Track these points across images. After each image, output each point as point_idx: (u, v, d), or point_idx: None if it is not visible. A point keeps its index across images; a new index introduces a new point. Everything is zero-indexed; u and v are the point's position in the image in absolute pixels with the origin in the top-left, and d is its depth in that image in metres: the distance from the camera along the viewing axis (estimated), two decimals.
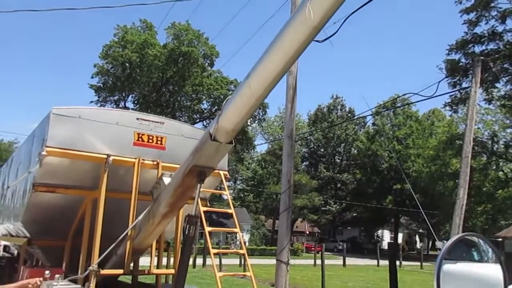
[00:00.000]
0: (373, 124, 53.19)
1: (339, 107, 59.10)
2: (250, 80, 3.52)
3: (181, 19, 47.45)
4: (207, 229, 6.56)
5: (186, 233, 4.41)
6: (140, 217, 5.67)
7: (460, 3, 19.21)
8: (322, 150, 59.88)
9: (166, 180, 5.18)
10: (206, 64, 40.34)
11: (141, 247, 5.92)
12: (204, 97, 40.80)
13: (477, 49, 19.87)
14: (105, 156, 5.81)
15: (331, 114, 58.42)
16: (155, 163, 6.26)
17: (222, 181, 7.01)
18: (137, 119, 6.39)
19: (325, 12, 2.90)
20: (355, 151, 56.68)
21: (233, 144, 4.16)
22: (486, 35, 19.52)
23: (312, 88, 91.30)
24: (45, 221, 6.36)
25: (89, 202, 6.12)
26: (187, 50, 36.95)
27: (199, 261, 23.71)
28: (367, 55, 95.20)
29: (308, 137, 58.31)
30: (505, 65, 19.46)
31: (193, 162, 4.24)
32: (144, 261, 7.01)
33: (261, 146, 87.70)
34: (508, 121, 29.01)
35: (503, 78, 19.24)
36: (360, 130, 57.52)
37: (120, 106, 39.94)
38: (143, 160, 6.16)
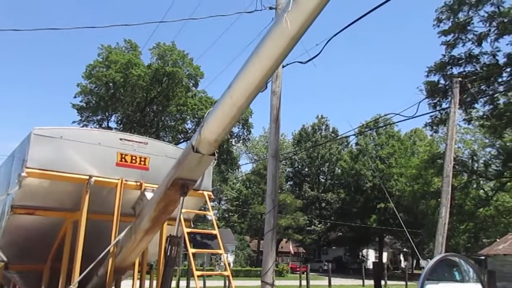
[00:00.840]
0: (357, 143, 53.80)
1: (323, 127, 59.67)
2: (231, 90, 3.59)
3: (166, 40, 47.72)
4: (191, 250, 6.46)
5: (168, 254, 4.36)
6: (122, 234, 5.58)
7: (438, 26, 19.84)
8: (306, 169, 60.07)
9: (149, 195, 5.15)
10: (191, 84, 40.45)
11: (123, 265, 5.80)
12: (188, 117, 40.75)
13: (455, 71, 20.46)
14: (87, 177, 5.72)
15: (315, 133, 58.89)
16: (138, 183, 6.19)
17: (206, 201, 6.96)
18: (120, 139, 6.34)
19: (302, 23, 3.02)
20: (339, 170, 57.03)
21: (215, 156, 4.18)
22: (464, 57, 20.12)
23: (297, 108, 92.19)
24: (24, 245, 6.19)
25: (69, 224, 5.99)
26: (171, 70, 37.03)
27: (183, 283, 23.26)
28: (351, 75, 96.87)
29: (293, 157, 58.50)
30: (482, 87, 20.03)
31: (175, 175, 4.23)
32: (126, 284, 6.85)
33: (245, 166, 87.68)
34: (487, 141, 29.68)
35: (481, 99, 19.77)
36: (344, 150, 58.03)
37: (103, 126, 39.54)
38: (126, 181, 6.08)
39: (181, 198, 4.41)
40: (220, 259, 39.33)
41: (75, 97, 39.36)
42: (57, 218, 6.05)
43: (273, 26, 3.22)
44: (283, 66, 10.23)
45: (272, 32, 3.22)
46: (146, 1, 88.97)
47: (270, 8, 10.57)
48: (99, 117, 40.30)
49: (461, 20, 19.37)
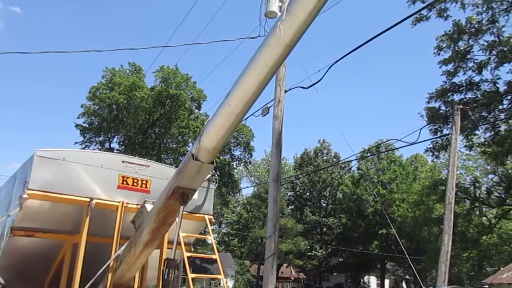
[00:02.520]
0: (358, 168, 53.64)
1: (325, 151, 59.68)
2: (229, 98, 3.71)
3: (169, 62, 48.32)
4: (190, 275, 6.39)
5: (166, 277, 4.32)
6: (121, 248, 5.54)
7: (439, 54, 20.05)
8: (307, 194, 59.74)
9: (149, 206, 5.16)
10: (194, 106, 40.74)
11: (123, 280, 5.73)
12: (190, 139, 40.86)
13: (456, 97, 20.54)
14: (88, 200, 5.72)
15: (317, 158, 58.84)
16: (139, 206, 6.18)
17: (207, 225, 6.92)
18: (123, 162, 6.36)
19: (295, 31, 3.19)
20: (341, 195, 56.68)
21: (214, 164, 4.24)
22: (464, 84, 20.25)
23: (298, 132, 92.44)
24: (22, 267, 6.14)
25: (68, 247, 5.95)
26: (174, 93, 37.37)
27: None
28: (353, 101, 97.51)
29: (294, 181, 58.30)
30: (483, 113, 20.09)
31: (175, 184, 4.28)
32: None
33: (246, 189, 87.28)
34: (489, 167, 29.57)
35: (482, 126, 19.80)
36: (345, 175, 57.85)
37: (105, 147, 39.65)
38: (127, 203, 6.07)
39: (181, 207, 4.44)
40: (220, 284, 38.73)
41: (78, 117, 39.69)
42: (56, 241, 6.01)
43: (268, 35, 3.40)
44: (285, 91, 10.36)
45: (267, 40, 3.37)
46: (150, 24, 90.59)
47: None
48: (101, 138, 40.47)
49: (461, 48, 19.59)
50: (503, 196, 27.54)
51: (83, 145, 39.19)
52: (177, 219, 4.59)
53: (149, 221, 4.88)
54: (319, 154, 59.30)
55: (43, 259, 6.09)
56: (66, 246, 5.96)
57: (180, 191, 4.32)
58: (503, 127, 20.75)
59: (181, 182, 4.24)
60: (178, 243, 4.59)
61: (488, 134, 20.54)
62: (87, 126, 39.78)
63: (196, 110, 41.15)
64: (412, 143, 13.59)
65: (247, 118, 12.37)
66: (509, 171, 25.26)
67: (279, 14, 11.07)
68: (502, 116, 20.07)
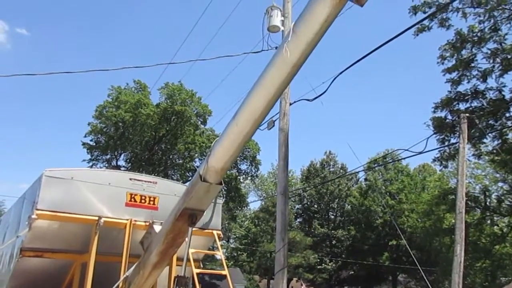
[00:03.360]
0: (365, 179, 53.32)
1: (331, 163, 59.46)
2: (237, 118, 3.71)
3: (174, 79, 48.73)
4: None
5: None
6: (130, 270, 5.51)
7: (442, 63, 20.07)
8: (315, 206, 59.35)
9: (157, 228, 5.14)
10: (199, 122, 40.94)
11: None
12: (196, 155, 40.96)
13: (462, 106, 20.46)
14: (96, 218, 5.73)
15: (324, 169, 58.62)
16: (147, 223, 6.18)
17: (215, 240, 6.90)
18: (130, 179, 6.39)
19: (302, 51, 3.18)
20: (349, 206, 56.26)
21: (222, 185, 4.23)
22: (469, 93, 20.20)
23: (305, 145, 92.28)
24: None
25: (77, 266, 5.94)
26: (180, 109, 37.62)
27: None
28: (358, 112, 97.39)
29: (302, 193, 58.02)
30: (490, 122, 19.98)
31: (184, 205, 4.26)
32: None
33: (254, 203, 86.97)
34: (498, 175, 29.26)
35: (489, 134, 19.67)
36: (353, 186, 57.49)
37: (112, 164, 39.84)
38: (135, 221, 6.07)
39: (190, 229, 4.42)
40: None
41: (85, 136, 40.00)
42: (65, 260, 6.01)
43: (275, 54, 3.40)
44: (290, 104, 10.39)
45: (274, 60, 3.38)
46: (154, 41, 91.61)
47: (276, 48, 10.87)
48: (108, 156, 40.70)
49: (464, 57, 19.59)
50: None
51: (90, 163, 39.44)
52: (186, 239, 4.57)
53: (157, 242, 4.86)
54: (325, 166, 59.07)
55: (53, 279, 6.07)
56: (75, 265, 5.95)
57: (189, 213, 4.30)
58: (510, 135, 20.60)
59: (189, 204, 4.23)
60: (188, 260, 4.56)
61: (496, 142, 20.39)
62: (94, 144, 40.06)
63: (202, 126, 41.35)
64: (420, 153, 13.52)
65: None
66: None
67: (281, 28, 11.15)
68: (509, 123, 19.94)
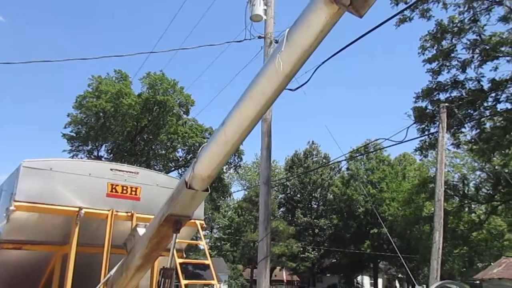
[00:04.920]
0: (348, 169, 53.91)
1: (314, 153, 59.89)
2: (225, 127, 3.59)
3: (156, 69, 48.11)
4: (183, 282, 6.33)
5: (161, 287, 4.26)
6: (112, 271, 5.44)
7: (423, 54, 20.30)
8: (298, 195, 59.85)
9: (141, 230, 5.04)
10: (182, 112, 40.57)
11: None
12: (179, 145, 40.65)
13: (442, 96, 20.78)
14: (77, 209, 5.65)
15: (307, 159, 59.03)
16: (129, 214, 6.13)
17: (198, 230, 6.88)
18: (111, 169, 6.31)
19: (295, 62, 3.02)
20: (331, 196, 56.91)
21: (209, 191, 4.14)
22: (449, 83, 20.52)
23: (289, 134, 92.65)
24: (11, 281, 6.03)
25: (58, 258, 5.86)
26: (162, 99, 37.18)
27: None
28: (340, 101, 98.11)
29: (285, 183, 58.35)
30: (469, 111, 20.37)
31: (168, 211, 4.17)
32: None
33: (237, 193, 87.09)
34: (476, 164, 29.94)
35: (468, 124, 20.06)
36: (335, 175, 58.10)
37: (93, 155, 39.26)
38: (117, 211, 6.01)
39: (174, 235, 4.34)
40: None
41: (65, 127, 39.24)
42: (45, 252, 5.92)
43: (267, 64, 3.22)
44: None
45: (266, 70, 3.23)
46: (135, 31, 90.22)
47: (259, 37, 10.81)
48: (89, 147, 40.08)
49: (445, 48, 19.86)
50: (491, 192, 27.90)
51: (71, 154, 38.80)
52: (170, 245, 4.50)
53: (141, 246, 4.77)
54: (308, 156, 59.50)
55: (33, 272, 5.99)
56: (55, 257, 5.87)
57: (174, 219, 4.21)
58: (488, 124, 21.05)
59: (174, 210, 4.13)
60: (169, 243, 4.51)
61: (474, 132, 20.83)
62: (74, 135, 39.38)
63: (185, 116, 41.00)
64: (400, 142, 13.73)
65: None
66: (496, 168, 25.60)
67: (264, 17, 11.06)
68: (487, 113, 20.36)
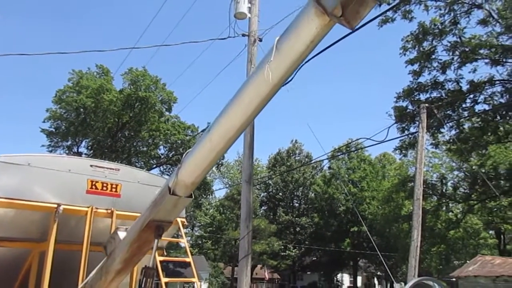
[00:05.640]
0: (329, 167, 54.40)
1: (297, 152, 60.22)
2: (211, 134, 3.52)
3: (138, 65, 47.53)
4: (164, 279, 6.29)
5: (142, 286, 4.21)
6: (91, 274, 5.35)
7: (404, 55, 20.64)
8: (280, 194, 60.10)
9: (121, 234, 4.93)
10: (164, 109, 40.24)
11: None
12: (161, 142, 40.33)
13: (422, 97, 21.17)
14: (55, 206, 5.54)
15: (290, 158, 59.31)
16: (109, 211, 6.04)
17: (179, 228, 6.83)
18: (91, 166, 6.20)
19: (284, 72, 2.99)
20: (313, 194, 57.33)
21: (193, 197, 4.09)
22: (429, 84, 20.92)
23: (272, 133, 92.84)
24: None
25: (35, 255, 5.74)
26: (144, 95, 36.80)
27: None
28: (326, 100, 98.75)
29: (267, 181, 58.50)
30: (448, 112, 20.79)
31: (150, 217, 4.08)
32: None
33: (219, 191, 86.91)
34: (454, 164, 30.59)
35: (447, 124, 20.48)
36: (317, 174, 58.53)
37: (73, 151, 38.62)
38: (97, 208, 5.92)
39: (156, 240, 4.28)
40: (194, 287, 38.37)
41: (44, 122, 38.50)
42: (22, 250, 5.79)
43: (255, 72, 3.17)
44: None
45: (254, 78, 3.19)
46: (117, 26, 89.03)
47: (243, 35, 10.80)
48: (68, 143, 39.41)
49: (426, 49, 20.22)
50: (468, 191, 28.53)
51: (50, 149, 38.07)
52: (153, 248, 4.43)
53: (121, 250, 4.67)
54: (291, 155, 59.78)
55: (9, 269, 5.85)
56: (33, 254, 5.75)
57: (156, 224, 4.14)
58: (466, 125, 21.53)
59: (156, 216, 4.06)
60: (151, 248, 4.47)
61: (453, 132, 21.29)
62: (54, 130, 38.65)
63: (167, 113, 40.68)
64: (381, 142, 13.92)
65: None
66: (474, 168, 26.20)
67: (248, 15, 11.02)
68: (466, 114, 20.82)
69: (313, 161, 54.89)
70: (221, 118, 3.49)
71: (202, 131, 38.98)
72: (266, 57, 3.06)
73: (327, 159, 46.58)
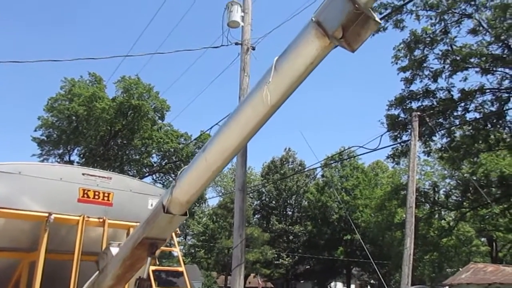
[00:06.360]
0: (322, 175, 54.46)
1: (290, 160, 60.24)
2: (207, 153, 3.48)
3: (131, 73, 47.50)
4: None
5: None
6: None
7: (396, 63, 20.85)
8: (274, 202, 59.95)
9: (114, 250, 4.84)
10: (157, 117, 40.15)
11: None
12: (153, 150, 40.18)
13: (414, 105, 21.36)
14: (46, 215, 5.47)
15: (283, 166, 59.30)
16: (101, 220, 5.98)
17: (172, 237, 6.78)
18: (83, 174, 6.15)
19: (283, 93, 2.97)
20: (306, 202, 57.28)
21: (187, 215, 4.04)
22: (421, 92, 21.12)
23: (266, 141, 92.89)
24: None
25: (25, 265, 5.65)
26: (137, 103, 36.71)
27: None
28: (319, 108, 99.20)
29: (260, 189, 58.39)
30: (439, 120, 20.97)
31: (144, 234, 4.02)
32: None
33: (212, 200, 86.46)
34: (446, 172, 30.78)
35: (438, 132, 20.65)
36: (311, 182, 58.54)
37: (65, 160, 38.32)
38: (88, 217, 5.86)
39: (149, 258, 4.21)
40: None
41: (35, 130, 38.20)
42: (11, 260, 5.71)
43: (253, 92, 3.15)
44: None
45: (252, 99, 3.16)
46: (110, 33, 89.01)
47: (236, 43, 10.83)
48: (60, 151, 39.11)
49: (417, 57, 20.45)
50: (460, 199, 28.68)
51: (41, 158, 37.74)
52: (146, 264, 4.37)
53: (113, 266, 4.60)
54: (284, 163, 59.78)
55: None
56: (22, 264, 5.67)
57: (149, 242, 4.08)
58: (458, 133, 21.71)
59: (150, 233, 3.99)
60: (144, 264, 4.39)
61: (444, 140, 21.44)
62: (45, 139, 38.35)
63: (160, 121, 40.59)
64: (374, 150, 13.96)
65: (211, 127, 12.32)
66: (465, 175, 26.37)
67: (241, 23, 11.07)
68: (457, 122, 21.01)
69: (306, 169, 54.95)
70: (216, 138, 3.45)
71: (195, 139, 38.94)
72: (264, 77, 3.02)
73: (320, 167, 46.68)
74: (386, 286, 21.85)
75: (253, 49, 10.68)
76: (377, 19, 2.62)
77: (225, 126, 3.38)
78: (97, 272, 4.92)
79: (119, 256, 4.50)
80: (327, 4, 2.69)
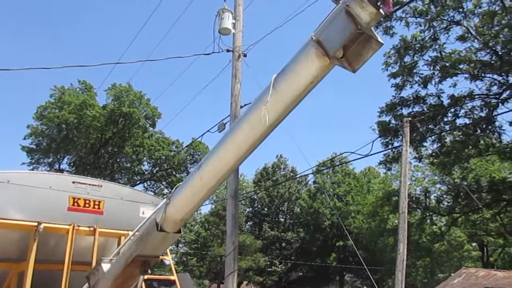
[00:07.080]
0: (314, 182, 54.52)
1: (282, 166, 60.23)
2: (202, 171, 3.42)
3: (122, 80, 47.34)
4: None
5: None
6: None
7: (386, 70, 21.02)
8: (266, 209, 59.81)
9: (105, 266, 4.73)
10: (148, 125, 39.98)
11: None
12: (145, 158, 39.96)
13: (405, 111, 21.51)
14: (35, 224, 5.38)
15: (275, 173, 59.27)
16: (91, 229, 5.90)
17: None
18: (73, 182, 6.08)
19: (281, 112, 2.92)
20: (298, 209, 57.24)
21: (181, 233, 3.96)
22: (411, 98, 21.30)
23: (258, 147, 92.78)
24: None
25: (14, 276, 5.55)
26: (128, 111, 36.53)
27: None
28: (311, 113, 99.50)
29: (252, 196, 58.25)
30: (430, 126, 21.13)
31: (136, 252, 3.92)
32: None
33: (204, 207, 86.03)
34: (436, 177, 30.98)
35: (429, 138, 20.79)
36: (302, 189, 58.55)
37: (55, 168, 37.92)
38: (78, 226, 5.77)
39: (141, 276, 4.13)
40: None
41: (24, 138, 37.80)
42: (0, 270, 5.59)
43: (251, 112, 3.09)
44: (241, 107, 10.38)
45: (249, 117, 3.09)
46: (101, 41, 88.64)
47: (228, 50, 10.84)
48: (50, 160, 38.72)
49: (407, 64, 20.64)
50: (451, 204, 28.85)
51: (31, 167, 37.32)
52: (138, 282, 4.29)
53: (105, 283, 4.51)
54: (276, 169, 59.77)
55: None
56: (11, 275, 5.56)
57: (142, 260, 4.00)
58: (448, 139, 21.88)
59: (142, 251, 3.91)
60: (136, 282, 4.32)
61: (435, 146, 21.59)
62: (35, 147, 37.95)
63: (151, 128, 40.42)
64: (365, 156, 14.00)
65: (202, 135, 12.27)
66: (456, 181, 26.55)
67: (232, 31, 11.09)
68: (447, 128, 21.18)
69: (298, 176, 55.00)
70: (212, 156, 3.38)
71: (187, 146, 38.83)
72: (262, 96, 2.96)
73: (312, 173, 46.70)
74: None
75: (245, 56, 10.70)
76: (379, 39, 2.56)
77: (221, 145, 3.31)
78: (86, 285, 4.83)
79: (111, 273, 4.39)
80: (328, 23, 2.61)
